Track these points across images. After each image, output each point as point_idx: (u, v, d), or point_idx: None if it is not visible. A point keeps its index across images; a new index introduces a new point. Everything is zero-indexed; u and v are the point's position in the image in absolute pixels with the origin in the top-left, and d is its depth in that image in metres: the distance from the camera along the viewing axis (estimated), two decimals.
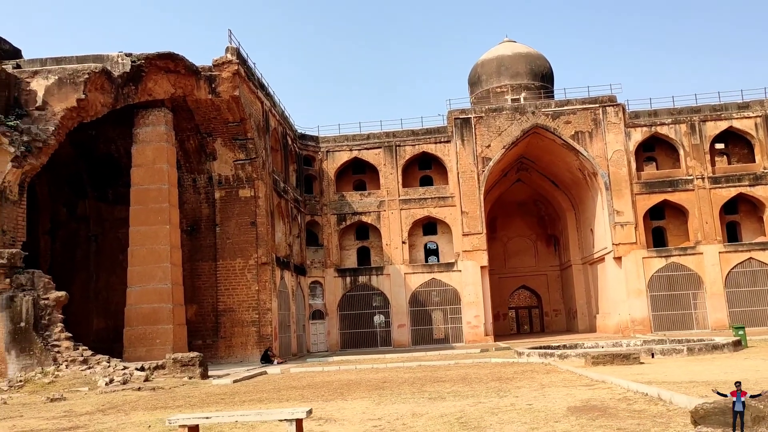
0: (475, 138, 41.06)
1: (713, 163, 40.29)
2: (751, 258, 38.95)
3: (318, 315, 41.23)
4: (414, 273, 41.47)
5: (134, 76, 25.42)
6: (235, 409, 13.25)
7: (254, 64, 31.62)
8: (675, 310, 39.02)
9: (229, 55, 28.63)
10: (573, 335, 42.94)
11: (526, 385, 15.29)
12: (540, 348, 26.18)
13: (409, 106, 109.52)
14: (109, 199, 31.95)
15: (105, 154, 31.01)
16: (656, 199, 39.97)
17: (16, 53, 25.28)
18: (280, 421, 8.96)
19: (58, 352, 20.93)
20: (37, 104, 22.85)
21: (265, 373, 24.37)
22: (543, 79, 47.44)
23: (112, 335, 29.13)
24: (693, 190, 39.58)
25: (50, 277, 22.02)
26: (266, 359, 29.24)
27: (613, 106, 40.58)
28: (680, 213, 40.62)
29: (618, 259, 39.65)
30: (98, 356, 21.47)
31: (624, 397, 11.97)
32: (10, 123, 21.69)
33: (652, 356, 21.82)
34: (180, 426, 8.67)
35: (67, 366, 20.53)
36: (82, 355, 21.16)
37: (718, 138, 40.66)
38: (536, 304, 54.49)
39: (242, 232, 31.36)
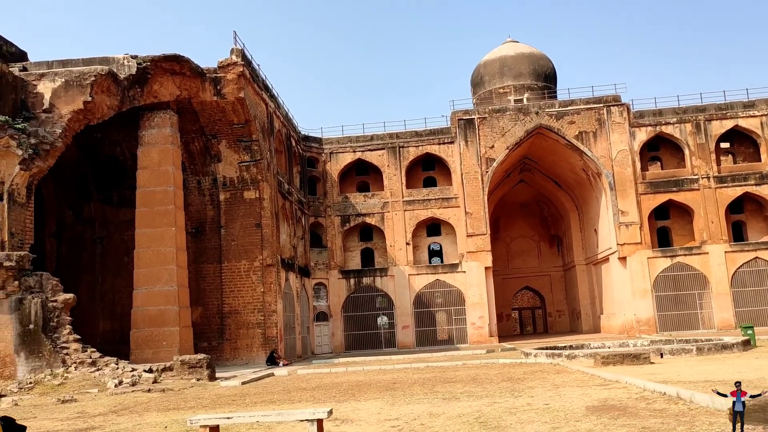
0: (479, 139, 41.02)
1: (719, 163, 40.23)
2: (757, 257, 38.88)
3: (322, 317, 41.18)
4: (418, 274, 41.43)
5: (140, 79, 25.39)
6: (252, 410, 13.19)
7: (258, 65, 31.63)
8: (680, 310, 38.95)
9: (234, 57, 28.60)
10: (577, 336, 42.87)
11: (539, 385, 15.23)
12: (546, 348, 26.10)
13: (412, 107, 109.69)
14: (114, 202, 31.91)
15: (110, 156, 30.98)
16: (661, 198, 39.91)
17: (21, 56, 25.22)
18: (301, 421, 8.92)
19: (67, 354, 20.88)
20: (44, 107, 22.82)
21: (272, 374, 24.31)
22: (546, 79, 47.40)
23: (117, 337, 29.10)
24: (698, 189, 39.52)
25: (58, 280, 21.96)
26: (272, 361, 29.17)
27: (617, 105, 40.54)
28: (685, 213, 40.57)
29: (623, 259, 39.58)
30: (106, 358, 21.42)
31: (641, 396, 11.91)
32: (17, 126, 21.65)
33: (661, 356, 21.76)
34: (201, 426, 8.63)
35: (75, 368, 20.49)
36: (91, 357, 21.11)
37: (723, 137, 40.60)
38: (539, 304, 54.43)
39: (247, 233, 31.29)
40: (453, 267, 41.29)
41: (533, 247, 53.66)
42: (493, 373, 19.36)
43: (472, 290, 40.35)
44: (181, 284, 26.72)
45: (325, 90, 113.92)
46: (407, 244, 41.59)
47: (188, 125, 29.68)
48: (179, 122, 28.26)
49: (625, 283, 39.66)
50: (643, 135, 40.39)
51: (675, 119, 40.34)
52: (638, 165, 40.06)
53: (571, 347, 26.78)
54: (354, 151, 42.72)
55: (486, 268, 40.44)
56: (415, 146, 42.50)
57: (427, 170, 43.98)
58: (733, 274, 38.74)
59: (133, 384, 19.78)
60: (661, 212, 41.03)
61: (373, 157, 42.66)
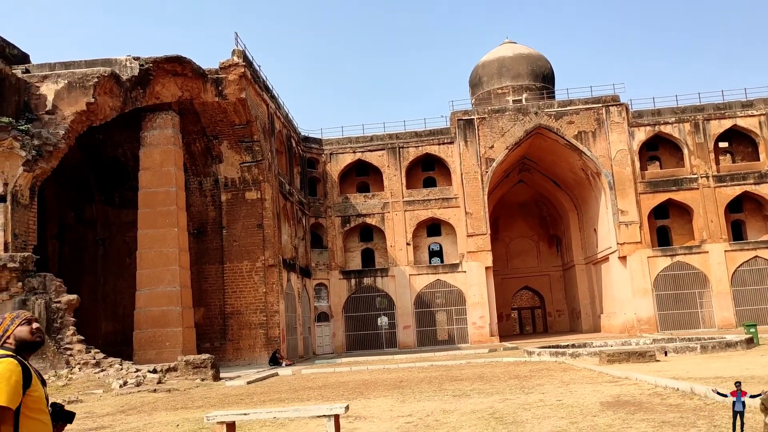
0: (478, 139, 41.05)
1: (717, 162, 40.34)
2: (757, 256, 38.98)
3: (323, 317, 41.15)
4: (419, 274, 41.44)
5: (142, 80, 25.36)
6: (264, 407, 13.17)
7: (259, 66, 31.63)
8: (681, 309, 39.03)
9: (235, 58, 28.59)
10: (578, 335, 42.90)
11: (547, 382, 15.24)
12: (549, 347, 26.12)
13: (411, 108, 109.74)
14: (116, 203, 31.85)
15: (112, 157, 30.93)
16: (660, 198, 39.99)
17: (24, 58, 25.16)
18: (318, 416, 8.89)
19: (71, 355, 20.83)
20: (47, 108, 22.77)
21: (277, 374, 24.29)
22: (544, 80, 47.48)
23: (120, 338, 29.02)
24: (697, 188, 39.62)
25: (61, 281, 21.92)
26: (274, 361, 29.13)
27: (616, 105, 40.62)
28: (685, 212, 40.67)
29: (623, 258, 39.64)
30: (110, 359, 21.38)
31: (654, 392, 11.93)
32: (21, 127, 21.60)
33: (665, 354, 21.81)
34: (218, 422, 8.61)
35: (80, 369, 20.43)
36: (95, 358, 21.07)
37: (722, 136, 40.71)
38: (539, 304, 54.48)
39: (249, 234, 31.26)
40: (453, 267, 41.31)
41: (533, 247, 53.71)
42: (499, 371, 19.36)
43: (472, 290, 40.37)
44: (184, 285, 26.68)
45: (324, 91, 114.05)
46: (407, 244, 41.60)
47: (190, 126, 29.65)
48: (181, 123, 28.25)
49: (626, 282, 39.71)
50: (642, 135, 40.48)
51: (674, 119, 40.44)
52: (637, 164, 40.14)
53: (573, 346, 26.80)
54: (354, 152, 42.73)
55: (486, 268, 40.46)
56: (415, 147, 42.53)
57: (427, 170, 44.01)
58: (733, 272, 38.83)
59: (138, 384, 19.75)
60: (660, 211, 41.11)
61: (373, 158, 42.67)
